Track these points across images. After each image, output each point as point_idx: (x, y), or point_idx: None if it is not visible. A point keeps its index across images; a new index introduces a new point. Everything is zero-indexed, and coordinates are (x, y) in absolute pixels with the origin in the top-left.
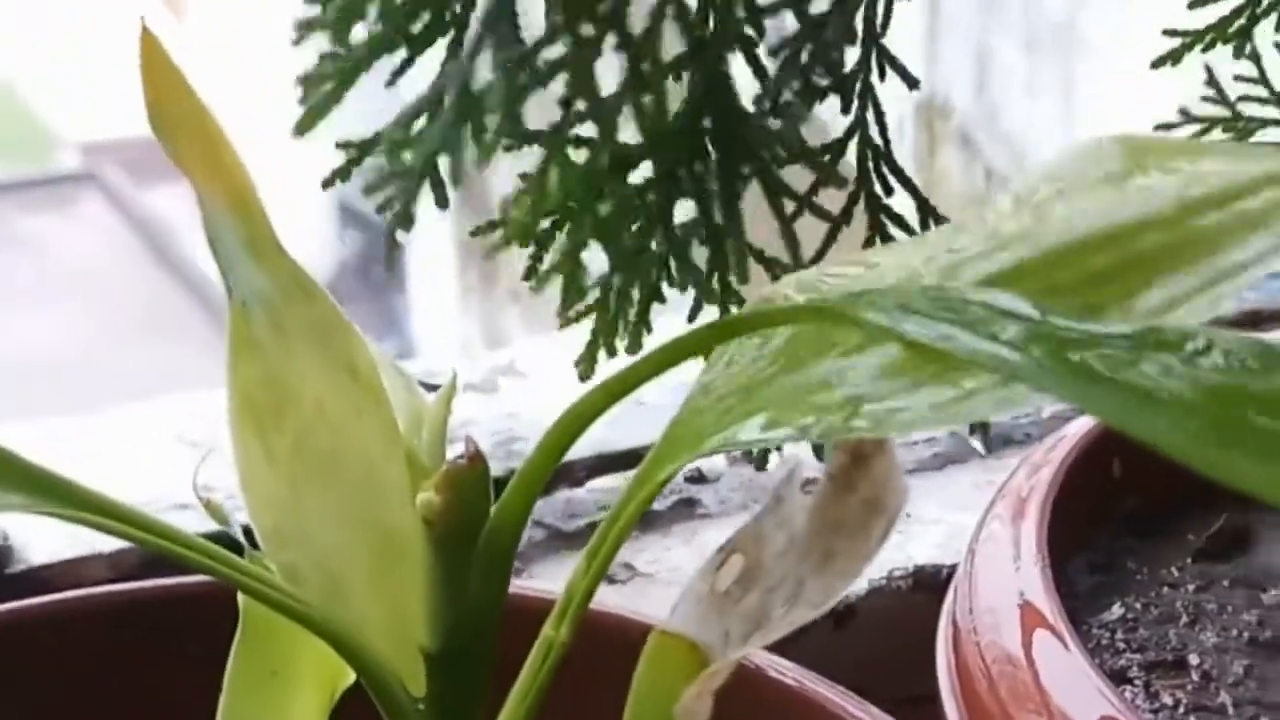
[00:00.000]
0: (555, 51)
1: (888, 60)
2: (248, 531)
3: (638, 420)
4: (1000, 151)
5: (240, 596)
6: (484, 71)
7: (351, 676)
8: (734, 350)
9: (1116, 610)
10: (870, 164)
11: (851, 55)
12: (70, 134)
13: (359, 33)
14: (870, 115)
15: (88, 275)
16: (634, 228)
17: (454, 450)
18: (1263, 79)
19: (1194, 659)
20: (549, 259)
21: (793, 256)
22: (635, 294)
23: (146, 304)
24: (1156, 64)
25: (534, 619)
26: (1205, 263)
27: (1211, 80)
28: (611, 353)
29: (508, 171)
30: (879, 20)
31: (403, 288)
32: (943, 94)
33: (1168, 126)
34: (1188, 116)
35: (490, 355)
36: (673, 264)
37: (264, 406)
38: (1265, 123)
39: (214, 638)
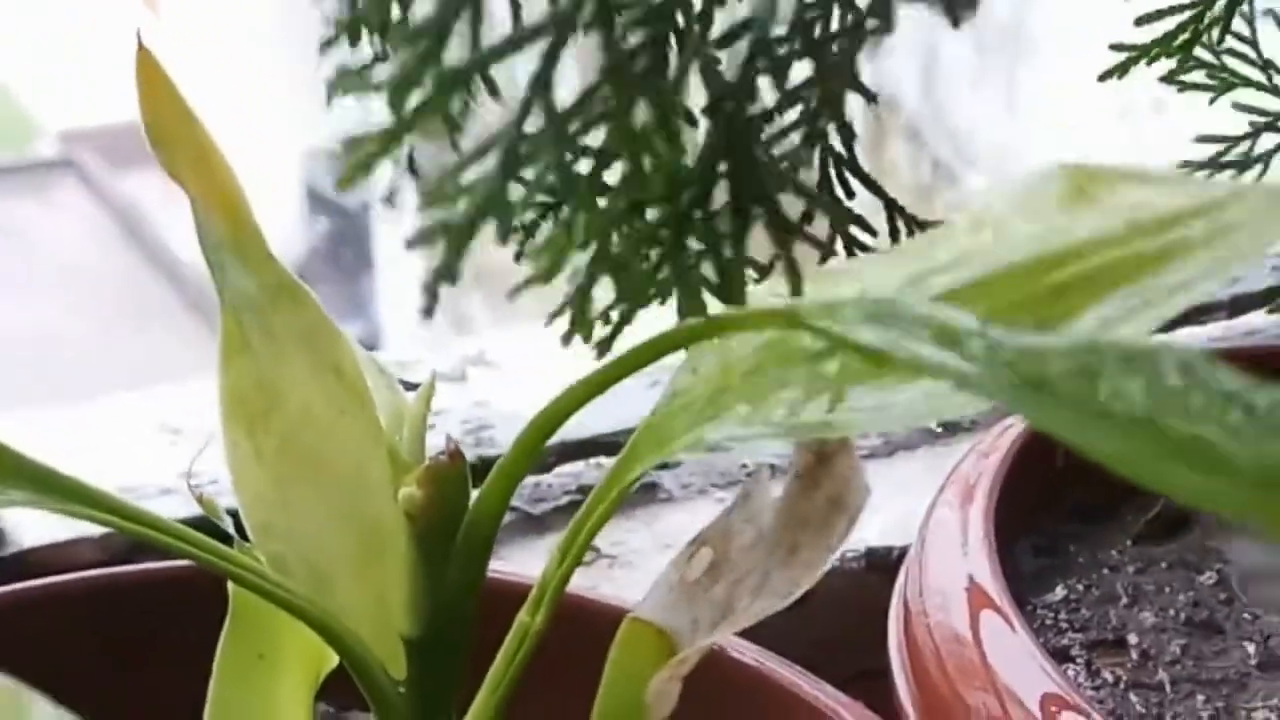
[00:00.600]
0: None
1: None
2: (238, 521)
3: (603, 408)
4: (946, 145)
5: (230, 585)
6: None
7: (335, 660)
8: (703, 356)
9: (1059, 592)
10: (832, 170)
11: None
12: (49, 122)
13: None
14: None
15: (66, 259)
16: (646, 263)
17: (431, 439)
18: (1254, 44)
19: (1133, 638)
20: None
21: (793, 287)
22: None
23: (122, 286)
24: (1103, 77)
25: (509, 603)
26: (1151, 280)
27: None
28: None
29: None
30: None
31: (370, 271)
32: (891, 89)
33: (1139, 51)
34: (1168, 53)
35: (460, 345)
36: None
37: (254, 407)
38: (1246, 82)
39: (201, 620)
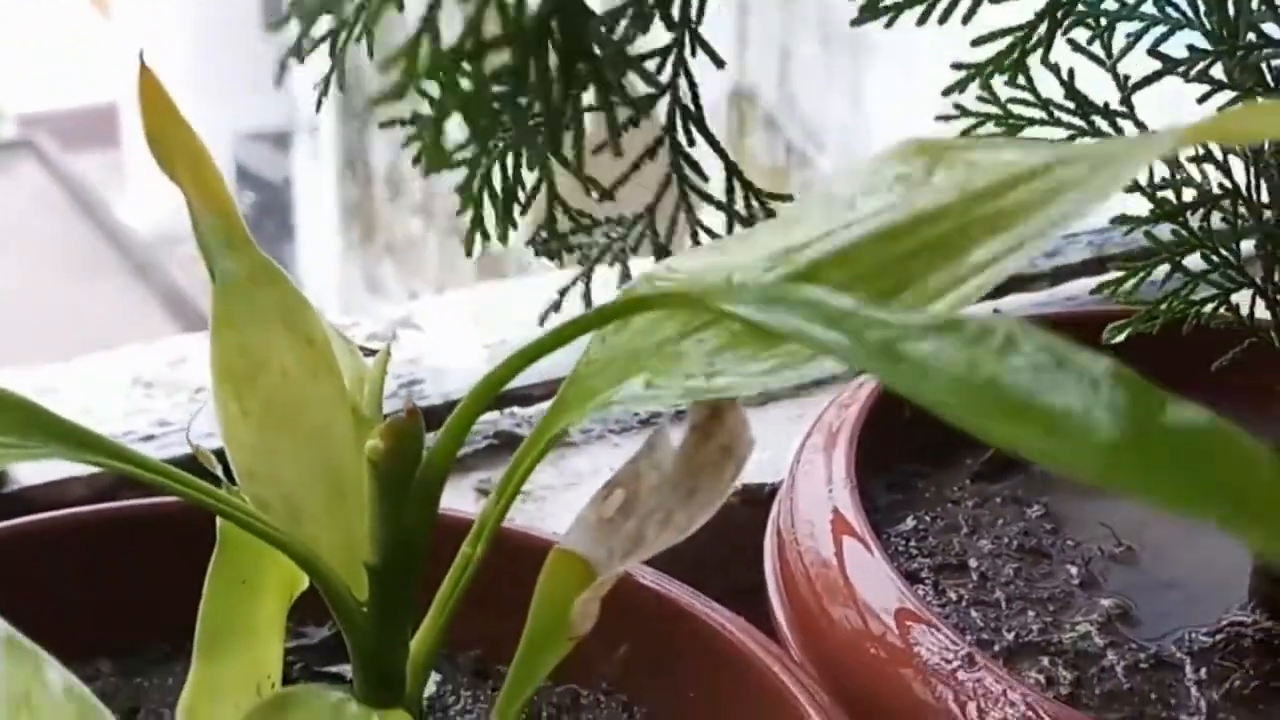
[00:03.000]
0: None
1: (698, 42)
2: (226, 468)
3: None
4: (798, 132)
5: (218, 520)
6: None
7: (305, 583)
8: (611, 328)
9: (910, 523)
10: (678, 118)
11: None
12: (8, 106)
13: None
14: (683, 81)
15: (23, 226)
16: (490, 106)
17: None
18: (1032, 89)
19: (973, 563)
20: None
21: (615, 150)
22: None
23: (73, 250)
24: (946, 92)
25: (454, 536)
26: (988, 243)
27: (986, 87)
28: (486, 237)
29: (387, 144)
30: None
31: (291, 239)
32: (751, 84)
33: (946, 118)
34: (964, 111)
35: (390, 311)
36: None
37: (240, 372)
38: (1031, 121)
39: (185, 549)
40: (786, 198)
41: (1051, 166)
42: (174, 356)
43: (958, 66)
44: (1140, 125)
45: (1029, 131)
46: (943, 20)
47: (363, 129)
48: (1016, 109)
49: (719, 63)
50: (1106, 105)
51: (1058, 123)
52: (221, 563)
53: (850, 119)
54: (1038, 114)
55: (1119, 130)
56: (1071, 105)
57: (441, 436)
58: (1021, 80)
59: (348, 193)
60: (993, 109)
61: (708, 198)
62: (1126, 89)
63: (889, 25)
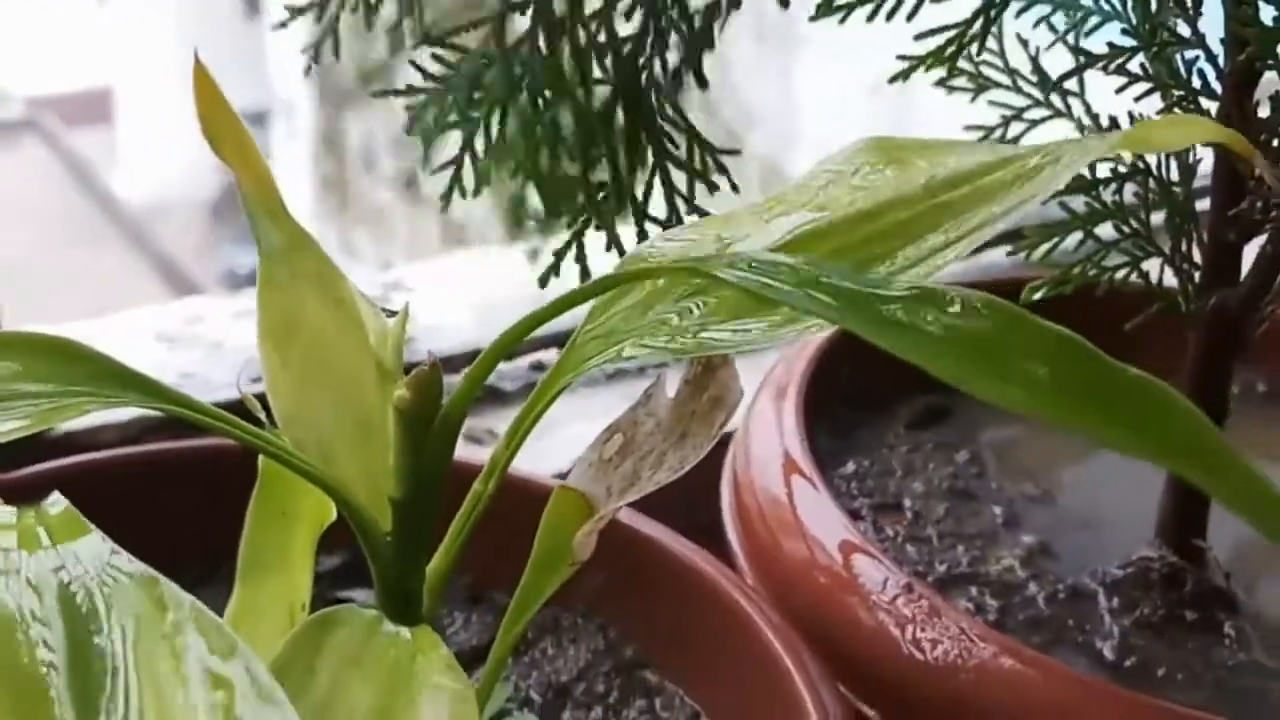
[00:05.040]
0: None
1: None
2: (268, 412)
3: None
4: (736, 116)
5: (260, 458)
6: None
7: (334, 515)
8: (609, 297)
9: (850, 466)
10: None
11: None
12: (16, 89)
13: None
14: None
15: (29, 201)
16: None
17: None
18: (1003, 58)
19: (908, 503)
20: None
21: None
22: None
23: (74, 222)
24: (892, 80)
25: (468, 477)
26: (947, 226)
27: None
28: (463, 194)
29: (360, 123)
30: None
31: None
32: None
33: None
34: (938, 59)
35: (382, 275)
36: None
37: (281, 329)
38: (998, 85)
39: (210, 486)
40: (735, 152)
41: (998, 164)
42: (190, 315)
43: (903, 58)
44: (1086, 104)
45: (994, 94)
46: (889, 17)
47: (338, 110)
48: (987, 71)
49: (703, 84)
50: (1059, 82)
51: (1019, 90)
52: (262, 496)
53: (781, 104)
54: (1004, 79)
55: (1068, 105)
56: (1035, 79)
57: (459, 388)
58: (994, 46)
59: (323, 167)
60: (968, 67)
61: (679, 162)
62: (1068, 73)
63: (841, 22)
